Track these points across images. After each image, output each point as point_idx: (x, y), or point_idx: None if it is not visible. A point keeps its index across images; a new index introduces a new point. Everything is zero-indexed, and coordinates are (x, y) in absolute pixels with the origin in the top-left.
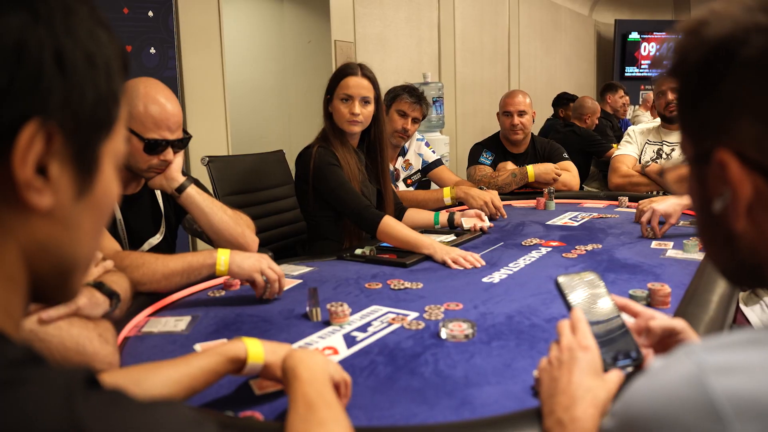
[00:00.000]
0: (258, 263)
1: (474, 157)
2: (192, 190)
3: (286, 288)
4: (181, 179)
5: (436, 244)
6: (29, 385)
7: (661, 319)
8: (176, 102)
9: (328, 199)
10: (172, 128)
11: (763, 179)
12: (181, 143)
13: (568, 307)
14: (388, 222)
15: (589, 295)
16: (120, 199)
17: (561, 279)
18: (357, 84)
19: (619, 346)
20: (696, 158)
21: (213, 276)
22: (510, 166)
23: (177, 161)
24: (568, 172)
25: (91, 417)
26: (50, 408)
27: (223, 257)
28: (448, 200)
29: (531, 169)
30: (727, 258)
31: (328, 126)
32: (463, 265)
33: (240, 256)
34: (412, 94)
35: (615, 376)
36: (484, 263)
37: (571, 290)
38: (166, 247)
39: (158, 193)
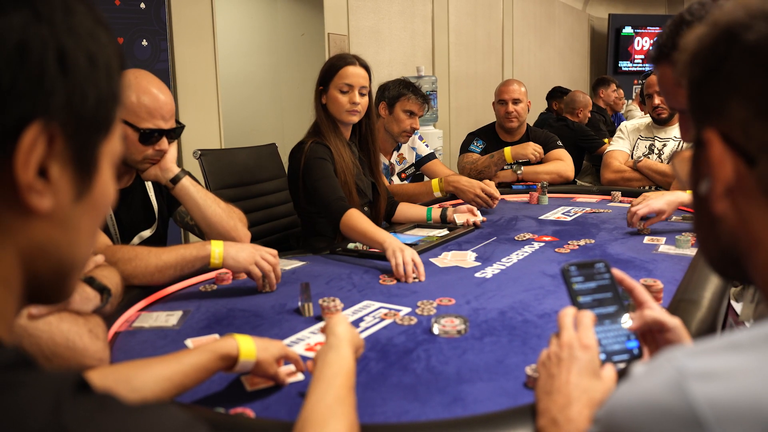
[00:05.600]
0: (252, 255)
1: (465, 146)
2: (186, 182)
3: (288, 268)
4: (176, 170)
5: (394, 241)
6: (18, 390)
7: (655, 311)
8: (168, 92)
9: (311, 193)
10: (165, 117)
11: (743, 164)
12: (175, 132)
13: (572, 298)
14: (353, 214)
15: (595, 287)
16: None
17: (567, 267)
18: (357, 73)
19: (618, 343)
20: (694, 142)
21: (206, 268)
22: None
23: (171, 152)
24: (561, 162)
25: (78, 424)
26: (38, 414)
27: (217, 249)
28: (437, 194)
29: (507, 150)
30: (712, 244)
31: (322, 118)
32: (399, 275)
33: (234, 248)
34: (417, 93)
35: (611, 374)
36: (422, 280)
37: (577, 280)
38: (158, 241)
39: (149, 186)
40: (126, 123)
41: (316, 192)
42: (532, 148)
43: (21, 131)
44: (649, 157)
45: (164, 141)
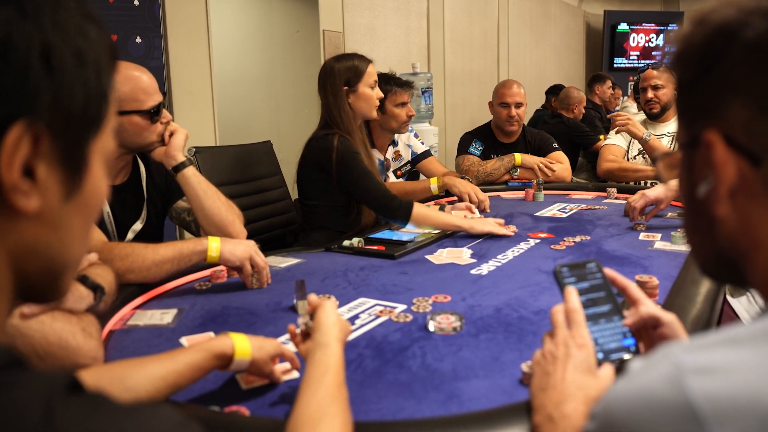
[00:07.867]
0: (248, 250)
1: (463, 147)
2: (189, 171)
3: (284, 265)
4: (181, 158)
5: (473, 221)
6: (10, 390)
7: (650, 306)
8: (145, 69)
9: (349, 189)
10: (157, 90)
11: (747, 164)
12: (165, 103)
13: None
14: (419, 209)
15: (588, 286)
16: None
17: (559, 268)
18: (375, 71)
19: (615, 341)
20: (687, 143)
21: (202, 264)
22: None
23: (179, 138)
24: (560, 164)
25: (71, 424)
26: (30, 415)
27: (214, 244)
28: (434, 188)
29: (518, 155)
30: (708, 248)
31: (350, 117)
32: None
33: (231, 243)
34: (399, 83)
35: (608, 372)
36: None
37: (570, 281)
38: (151, 234)
39: (144, 180)
40: (133, 112)
41: (362, 190)
42: (539, 161)
43: (4, 131)
44: (645, 156)
45: (164, 112)
